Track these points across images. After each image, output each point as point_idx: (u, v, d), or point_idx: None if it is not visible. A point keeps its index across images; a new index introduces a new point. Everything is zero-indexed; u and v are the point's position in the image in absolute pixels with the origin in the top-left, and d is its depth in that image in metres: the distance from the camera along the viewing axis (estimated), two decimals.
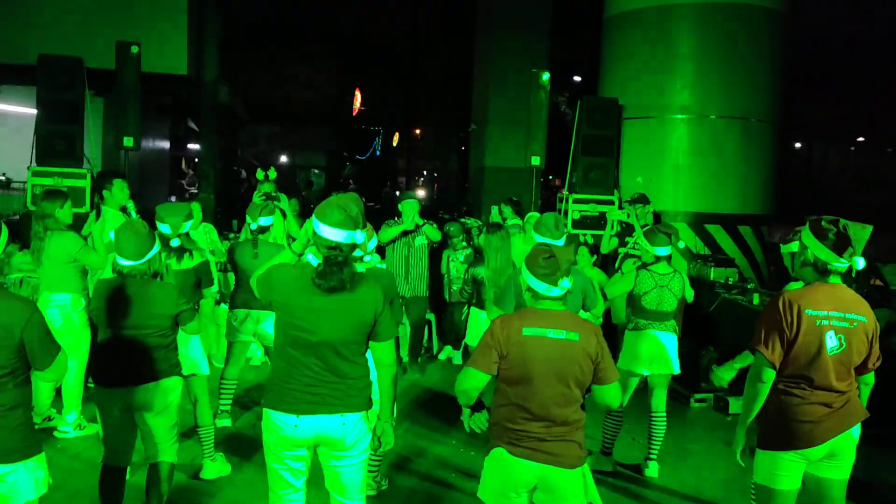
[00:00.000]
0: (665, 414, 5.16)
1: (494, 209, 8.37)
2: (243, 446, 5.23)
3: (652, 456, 5.15)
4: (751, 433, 3.27)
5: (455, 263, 7.91)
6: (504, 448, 2.99)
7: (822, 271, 3.13)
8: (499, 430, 3.04)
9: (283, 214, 5.58)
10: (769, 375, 3.12)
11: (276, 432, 3.02)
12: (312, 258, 3.01)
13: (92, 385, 5.33)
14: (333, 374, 2.99)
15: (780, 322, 3.08)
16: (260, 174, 6.53)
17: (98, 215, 5.81)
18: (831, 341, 3.07)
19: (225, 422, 5.57)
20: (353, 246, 3.00)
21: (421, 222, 7.17)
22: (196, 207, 6.46)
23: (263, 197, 5.77)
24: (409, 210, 7.09)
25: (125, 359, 3.58)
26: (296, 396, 2.99)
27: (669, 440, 5.62)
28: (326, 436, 3.02)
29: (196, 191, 17.23)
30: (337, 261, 2.91)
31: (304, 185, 19.07)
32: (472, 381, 3.01)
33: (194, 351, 4.54)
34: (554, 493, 2.97)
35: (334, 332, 2.96)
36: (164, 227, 4.50)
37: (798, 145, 29.28)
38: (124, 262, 3.58)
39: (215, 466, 4.70)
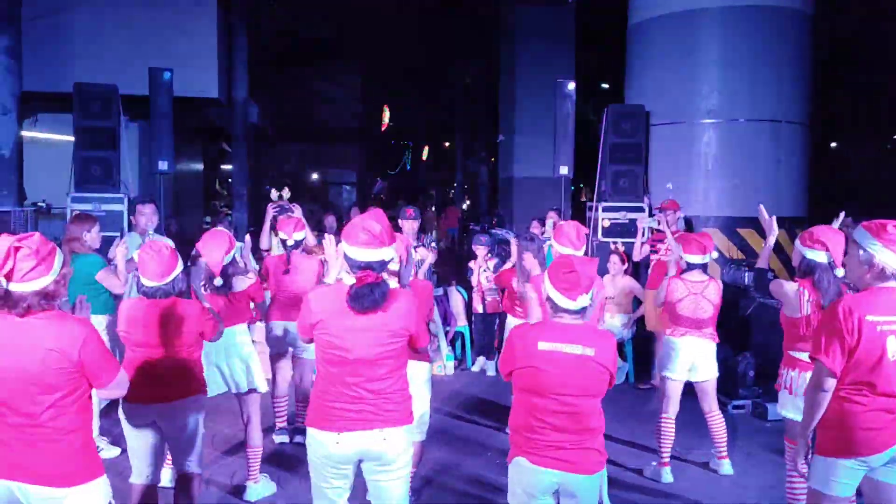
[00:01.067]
0: (719, 412, 5.24)
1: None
2: (285, 462, 5.29)
3: (722, 453, 5.25)
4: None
5: (486, 274, 7.94)
6: (524, 457, 3.04)
7: (885, 276, 3.04)
8: (518, 438, 3.09)
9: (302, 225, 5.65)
10: (830, 384, 3.07)
11: (320, 450, 3.07)
12: (346, 278, 3.06)
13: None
14: (372, 390, 3.03)
15: (841, 329, 3.01)
16: (274, 194, 6.63)
17: (122, 238, 5.95)
18: (893, 346, 3.00)
19: (283, 438, 5.65)
20: (384, 263, 3.05)
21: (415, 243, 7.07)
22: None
23: (277, 209, 5.89)
24: (410, 227, 6.97)
25: (152, 377, 3.60)
26: (336, 414, 3.03)
27: (707, 447, 5.59)
28: (368, 451, 3.06)
29: (229, 210, 17.48)
30: (368, 282, 2.95)
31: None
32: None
33: (252, 368, 4.57)
34: (575, 497, 3.03)
35: (370, 350, 3.00)
36: (203, 264, 4.44)
37: (833, 145, 28.82)
38: (147, 283, 3.62)
39: (258, 488, 4.72)
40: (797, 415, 4.05)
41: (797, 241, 4.05)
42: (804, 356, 3.99)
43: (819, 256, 3.89)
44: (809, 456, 3.20)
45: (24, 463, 2.66)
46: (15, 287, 2.63)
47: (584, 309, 3.04)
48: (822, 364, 3.04)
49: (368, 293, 2.94)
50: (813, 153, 9.43)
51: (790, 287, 4.00)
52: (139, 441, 3.69)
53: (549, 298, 3.07)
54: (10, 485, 2.69)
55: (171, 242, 4.00)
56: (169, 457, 4.27)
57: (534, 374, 2.98)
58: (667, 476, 5.15)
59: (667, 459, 5.19)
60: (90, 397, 2.83)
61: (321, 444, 3.06)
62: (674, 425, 5.18)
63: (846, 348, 3.01)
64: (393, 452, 3.08)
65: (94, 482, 2.77)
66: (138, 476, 3.73)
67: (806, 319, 3.97)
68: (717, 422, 5.22)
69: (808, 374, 3.92)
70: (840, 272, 3.89)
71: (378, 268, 3.01)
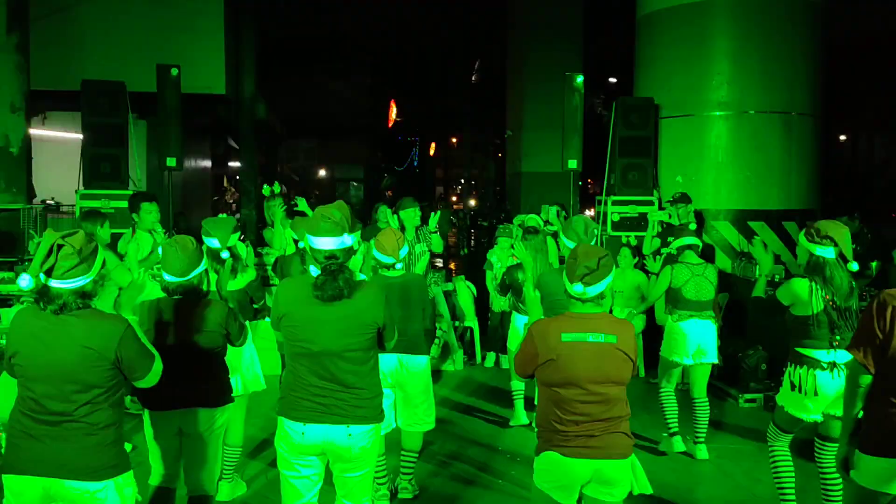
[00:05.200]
0: (707, 399, 5.40)
1: (547, 209, 8.31)
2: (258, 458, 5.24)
3: (699, 439, 5.39)
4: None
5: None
6: (554, 451, 3.00)
7: None
8: (546, 432, 3.05)
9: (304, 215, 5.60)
10: (865, 380, 2.96)
11: (286, 439, 3.09)
12: (314, 270, 3.06)
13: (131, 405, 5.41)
14: (338, 383, 3.03)
15: (872, 324, 2.89)
16: (266, 189, 6.57)
17: (133, 234, 5.94)
18: None
19: None
20: (349, 251, 3.07)
21: (432, 228, 6.93)
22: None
23: (284, 207, 5.85)
24: (410, 221, 6.83)
25: (174, 381, 3.34)
26: (303, 405, 3.05)
27: (720, 441, 5.58)
28: (333, 444, 3.06)
29: (233, 202, 17.47)
30: (332, 270, 2.97)
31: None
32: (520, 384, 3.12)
33: (250, 368, 4.50)
34: (607, 483, 3.01)
35: (335, 342, 3.00)
36: (211, 242, 4.35)
37: (843, 137, 28.65)
38: (169, 279, 3.51)
39: (230, 487, 4.61)
40: (797, 411, 4.00)
41: (802, 238, 3.96)
42: (812, 353, 3.95)
43: (828, 252, 3.84)
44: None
45: (56, 458, 2.66)
46: (54, 284, 2.64)
47: (599, 296, 3.02)
48: (856, 360, 2.97)
49: (332, 281, 2.96)
50: (824, 145, 9.37)
51: (801, 285, 3.92)
52: (160, 444, 3.57)
53: (566, 290, 3.06)
54: (42, 482, 2.68)
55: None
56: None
57: (559, 366, 2.96)
58: (678, 445, 5.37)
59: (675, 430, 5.40)
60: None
61: (287, 433, 3.08)
62: (675, 396, 5.44)
63: (878, 343, 2.88)
64: (358, 449, 3.07)
65: (124, 475, 2.77)
66: (157, 478, 3.62)
67: (817, 316, 3.90)
68: (703, 409, 5.38)
69: (817, 372, 3.90)
70: (853, 266, 3.84)
71: (342, 256, 3.03)
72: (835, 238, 3.82)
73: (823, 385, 3.90)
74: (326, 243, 3.01)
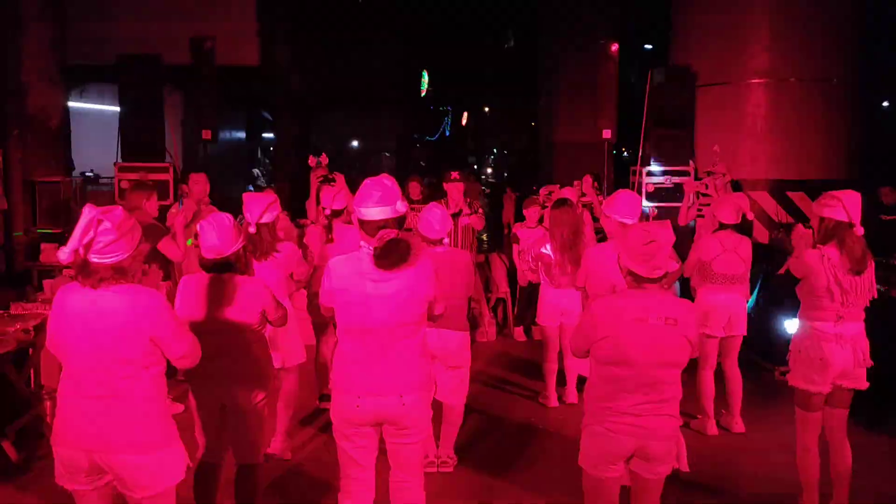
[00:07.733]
0: (739, 372, 5.43)
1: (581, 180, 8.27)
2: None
3: (734, 412, 5.44)
4: None
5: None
6: (600, 426, 3.03)
7: None
8: (595, 407, 3.07)
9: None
10: None
11: (341, 412, 3.12)
12: (365, 246, 3.04)
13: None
14: (392, 355, 3.05)
15: None
16: (313, 161, 6.58)
17: (180, 207, 6.03)
18: None
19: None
20: (401, 219, 3.06)
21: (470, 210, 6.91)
22: None
23: (321, 179, 5.87)
24: (457, 193, 6.75)
25: (214, 356, 3.35)
26: (356, 379, 3.07)
27: (757, 415, 5.59)
28: (387, 415, 3.09)
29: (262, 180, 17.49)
30: (391, 238, 2.95)
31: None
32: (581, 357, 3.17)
33: (291, 341, 4.58)
34: (650, 461, 3.04)
35: (390, 317, 3.01)
36: (246, 216, 4.41)
37: (885, 104, 27.88)
38: (207, 255, 3.52)
39: (283, 445, 4.78)
40: (806, 384, 3.95)
41: (814, 207, 3.92)
42: (819, 325, 3.89)
43: (838, 213, 3.76)
44: None
45: (104, 434, 2.71)
46: (93, 258, 2.66)
47: (665, 274, 3.00)
48: None
49: (394, 248, 2.94)
50: (865, 113, 9.14)
51: (813, 255, 3.85)
52: (202, 416, 3.62)
53: (630, 273, 3.01)
54: (93, 456, 2.74)
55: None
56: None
57: (615, 345, 2.96)
58: (711, 429, 5.37)
59: (711, 413, 5.39)
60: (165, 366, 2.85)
61: (342, 406, 3.11)
62: (713, 380, 5.39)
63: None
64: (411, 418, 3.11)
65: (171, 448, 2.81)
66: (205, 453, 3.65)
67: (827, 286, 3.82)
68: (736, 381, 5.41)
69: (823, 344, 3.84)
70: (860, 231, 3.74)
71: (395, 223, 3.02)
72: (843, 200, 3.76)
73: (830, 356, 3.86)
74: (377, 213, 3.00)
